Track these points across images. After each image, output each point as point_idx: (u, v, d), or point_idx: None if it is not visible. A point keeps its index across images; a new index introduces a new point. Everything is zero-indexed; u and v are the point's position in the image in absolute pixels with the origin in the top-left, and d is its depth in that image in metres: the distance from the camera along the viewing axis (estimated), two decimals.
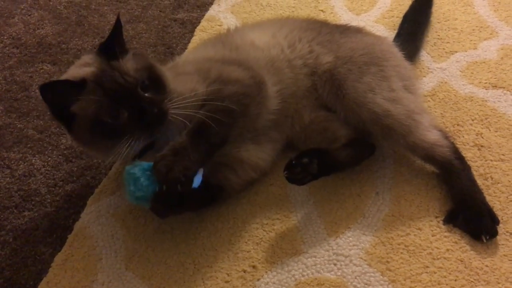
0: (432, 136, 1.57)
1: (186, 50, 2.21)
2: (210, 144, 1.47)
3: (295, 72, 1.70)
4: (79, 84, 1.41)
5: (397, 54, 1.80)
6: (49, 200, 1.71)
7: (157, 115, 1.42)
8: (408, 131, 1.56)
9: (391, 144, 1.67)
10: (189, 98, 1.48)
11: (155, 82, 1.49)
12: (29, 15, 2.44)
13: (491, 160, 1.67)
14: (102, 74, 1.43)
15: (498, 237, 1.48)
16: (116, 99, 1.41)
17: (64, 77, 1.49)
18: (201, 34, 2.30)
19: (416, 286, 1.41)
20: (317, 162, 1.52)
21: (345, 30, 1.84)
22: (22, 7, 2.47)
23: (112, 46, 1.47)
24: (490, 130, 1.76)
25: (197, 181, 1.42)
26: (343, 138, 1.64)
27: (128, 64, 1.47)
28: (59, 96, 1.41)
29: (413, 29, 2.08)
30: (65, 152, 1.85)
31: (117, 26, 1.49)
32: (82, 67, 1.48)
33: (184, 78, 1.60)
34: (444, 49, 2.08)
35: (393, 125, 1.56)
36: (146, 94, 1.44)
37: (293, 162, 1.51)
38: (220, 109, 1.50)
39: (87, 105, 1.41)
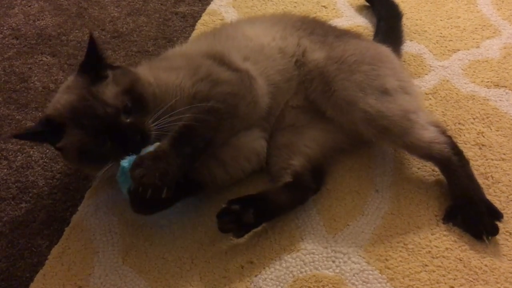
0: (429, 134, 1.55)
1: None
2: (193, 148, 1.42)
3: (286, 60, 1.66)
4: (59, 128, 1.43)
5: (393, 58, 1.77)
6: (46, 192, 1.70)
7: (140, 140, 1.41)
8: (404, 132, 1.53)
9: (387, 144, 1.66)
10: (174, 109, 1.45)
11: (139, 101, 1.45)
12: (29, 6, 2.42)
13: (492, 159, 1.66)
14: (82, 107, 1.41)
15: (497, 236, 1.47)
16: (98, 130, 1.40)
17: (48, 110, 1.48)
18: (202, 28, 2.28)
19: (414, 285, 1.40)
20: (253, 211, 1.45)
21: (342, 34, 1.79)
22: None
23: (91, 68, 1.46)
24: (491, 129, 1.75)
25: None
26: (290, 170, 1.58)
27: (108, 89, 1.44)
28: (40, 139, 1.52)
29: (391, 24, 2.06)
30: None
31: (92, 46, 1.45)
32: (64, 96, 1.46)
33: (172, 73, 1.57)
34: (446, 47, 2.07)
35: (389, 126, 1.53)
36: (128, 120, 1.42)
37: (224, 206, 1.45)
38: (205, 109, 1.46)
39: (69, 142, 1.43)
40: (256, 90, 1.59)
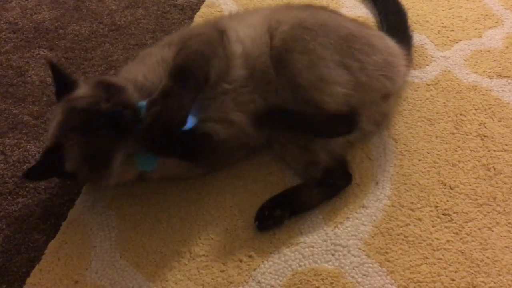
0: (332, 105, 1.51)
1: None
2: (195, 82, 1.47)
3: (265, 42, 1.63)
4: (57, 149, 1.43)
5: (368, 36, 1.65)
6: (43, 187, 1.68)
7: (131, 115, 1.41)
8: (313, 87, 1.51)
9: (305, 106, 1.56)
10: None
11: (113, 88, 1.48)
12: (27, 0, 2.40)
13: (494, 151, 1.64)
14: (66, 113, 1.45)
15: (500, 228, 1.46)
16: (87, 126, 1.41)
17: (45, 145, 1.52)
18: (200, 20, 2.25)
19: (415, 278, 1.38)
20: (288, 210, 1.52)
21: (326, 11, 1.77)
22: None
23: (65, 91, 1.52)
24: (493, 120, 1.73)
25: (189, 122, 1.44)
26: (319, 167, 1.58)
27: (81, 90, 1.51)
28: (48, 173, 1.49)
29: (399, 18, 2.01)
30: None
31: (54, 71, 1.54)
32: (53, 124, 1.49)
33: (150, 54, 1.63)
34: (448, 37, 2.04)
35: (300, 83, 1.51)
36: (109, 104, 1.43)
37: (266, 214, 1.51)
38: (191, 52, 1.54)
39: (72, 156, 1.43)
40: (228, 37, 1.63)
